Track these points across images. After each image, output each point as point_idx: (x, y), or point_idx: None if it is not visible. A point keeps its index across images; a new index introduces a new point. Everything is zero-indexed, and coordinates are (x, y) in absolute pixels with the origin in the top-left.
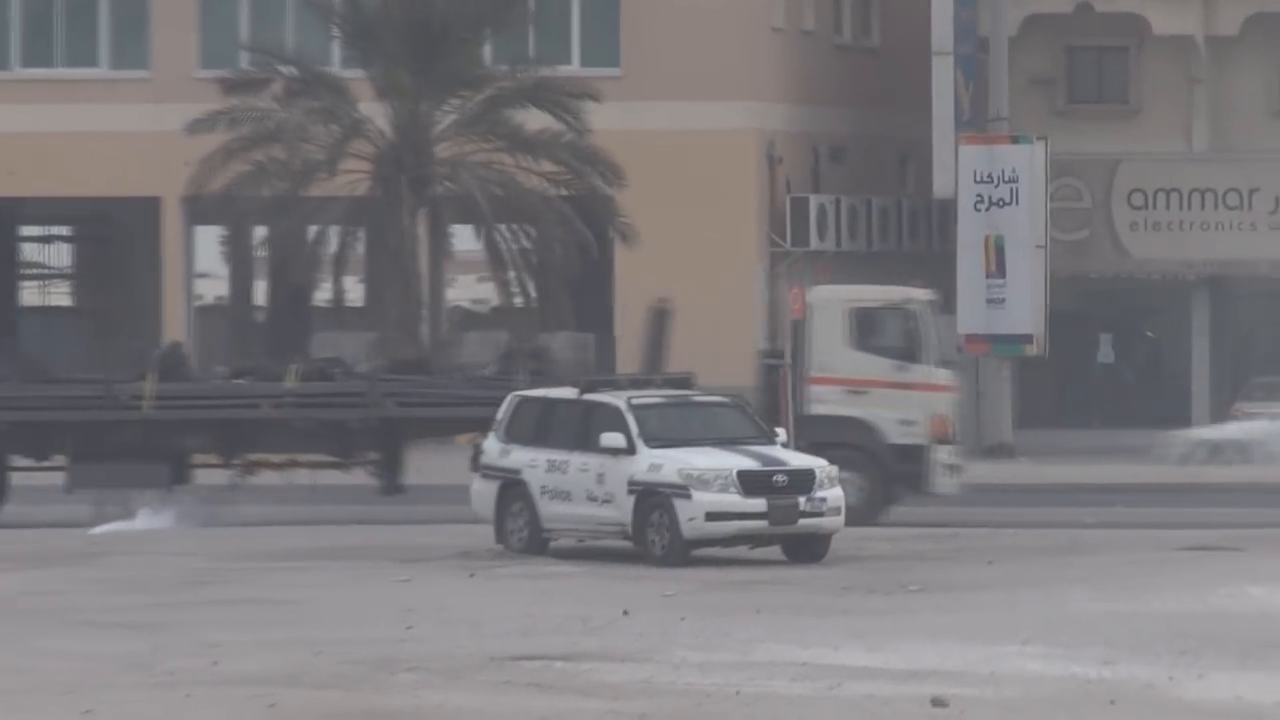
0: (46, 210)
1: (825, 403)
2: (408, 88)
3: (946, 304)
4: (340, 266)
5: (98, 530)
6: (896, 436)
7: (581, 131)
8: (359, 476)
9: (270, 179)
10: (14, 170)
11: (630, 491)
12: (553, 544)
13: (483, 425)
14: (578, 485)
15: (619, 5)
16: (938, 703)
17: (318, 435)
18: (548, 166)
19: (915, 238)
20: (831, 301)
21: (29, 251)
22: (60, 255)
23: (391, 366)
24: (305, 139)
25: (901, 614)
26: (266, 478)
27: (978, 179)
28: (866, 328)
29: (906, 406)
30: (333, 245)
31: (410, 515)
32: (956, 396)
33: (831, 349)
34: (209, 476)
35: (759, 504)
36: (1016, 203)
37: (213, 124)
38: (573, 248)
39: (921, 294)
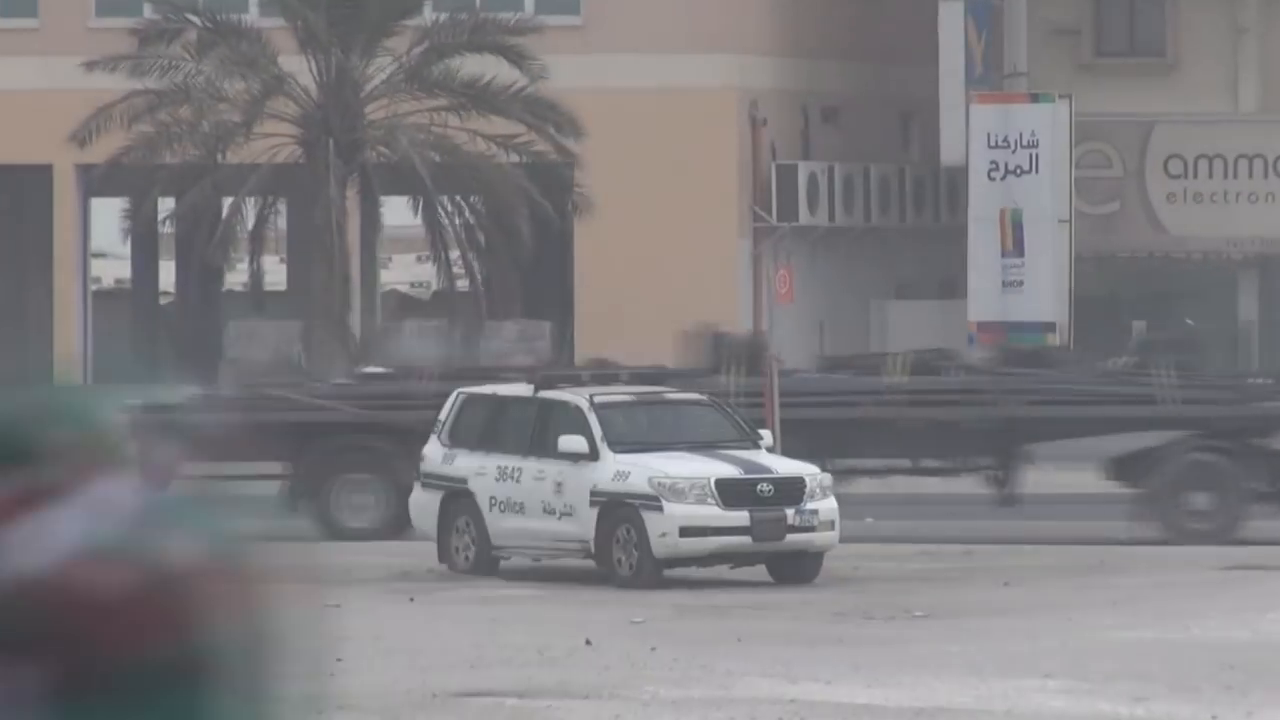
0: None
1: None
2: (326, 36)
3: (955, 287)
4: (258, 244)
5: None
6: None
7: (536, 77)
8: (964, 485)
9: (179, 143)
10: None
11: (593, 503)
12: (504, 563)
13: (1119, 427)
14: (532, 496)
15: None
16: None
17: (922, 438)
18: (497, 125)
19: (920, 211)
20: None
21: None
22: None
23: (1007, 358)
24: (219, 97)
25: (904, 643)
26: None
27: (992, 143)
28: None
29: None
30: (250, 220)
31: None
32: None
33: None
34: None
35: (741, 517)
36: (1036, 171)
37: (113, 66)
38: (527, 222)
39: None
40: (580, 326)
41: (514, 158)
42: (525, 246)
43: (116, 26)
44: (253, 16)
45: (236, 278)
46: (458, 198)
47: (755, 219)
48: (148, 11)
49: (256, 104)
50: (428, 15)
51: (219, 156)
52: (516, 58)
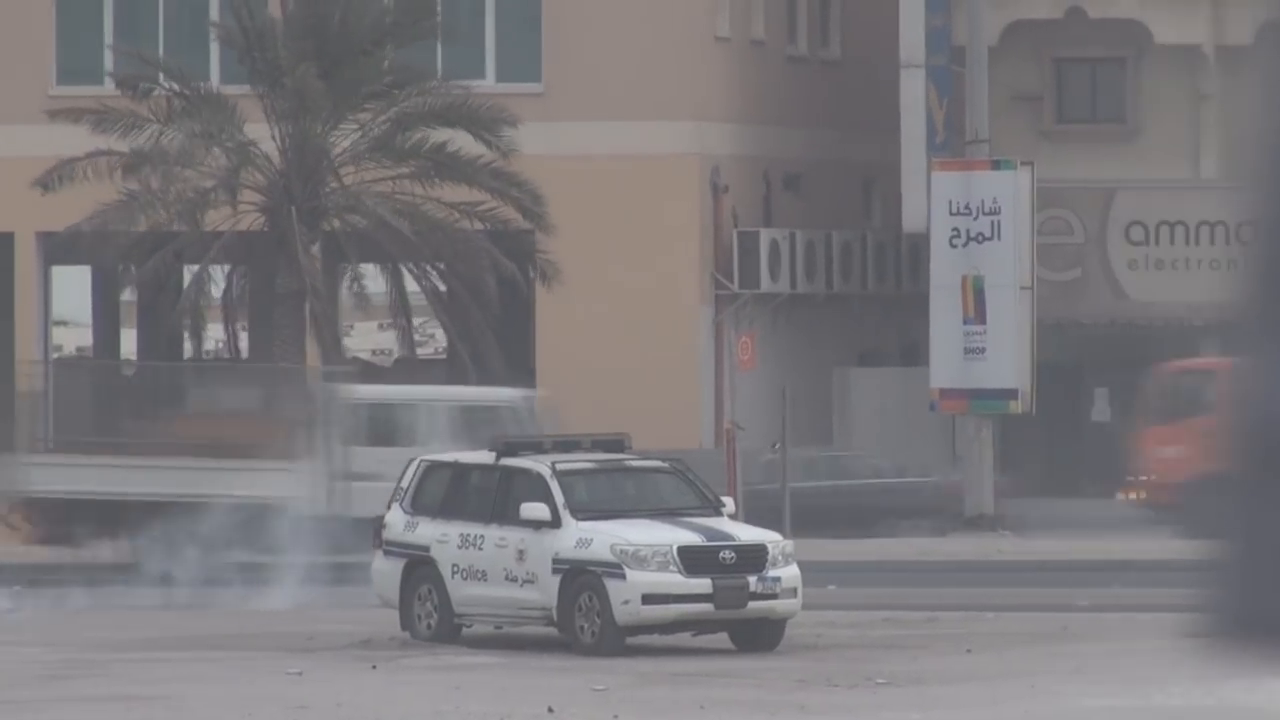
0: None
1: None
2: (312, 95)
3: (917, 354)
4: (229, 312)
5: None
6: None
7: (506, 151)
8: None
9: (144, 213)
10: None
11: (555, 570)
12: (466, 631)
13: None
14: (495, 563)
15: (540, 12)
16: None
17: None
18: (464, 194)
19: (882, 278)
20: None
21: None
22: None
23: None
24: (189, 164)
25: (867, 711)
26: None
27: (953, 210)
28: None
29: None
30: (214, 288)
31: (302, 598)
32: None
33: None
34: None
35: (703, 584)
36: (998, 238)
37: (77, 118)
38: (493, 289)
39: None
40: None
41: (478, 225)
42: (494, 311)
43: (77, 94)
44: (214, 83)
45: (200, 344)
46: (425, 264)
47: (717, 286)
48: (110, 82)
49: (232, 175)
50: (394, 80)
51: (185, 224)
52: (486, 136)
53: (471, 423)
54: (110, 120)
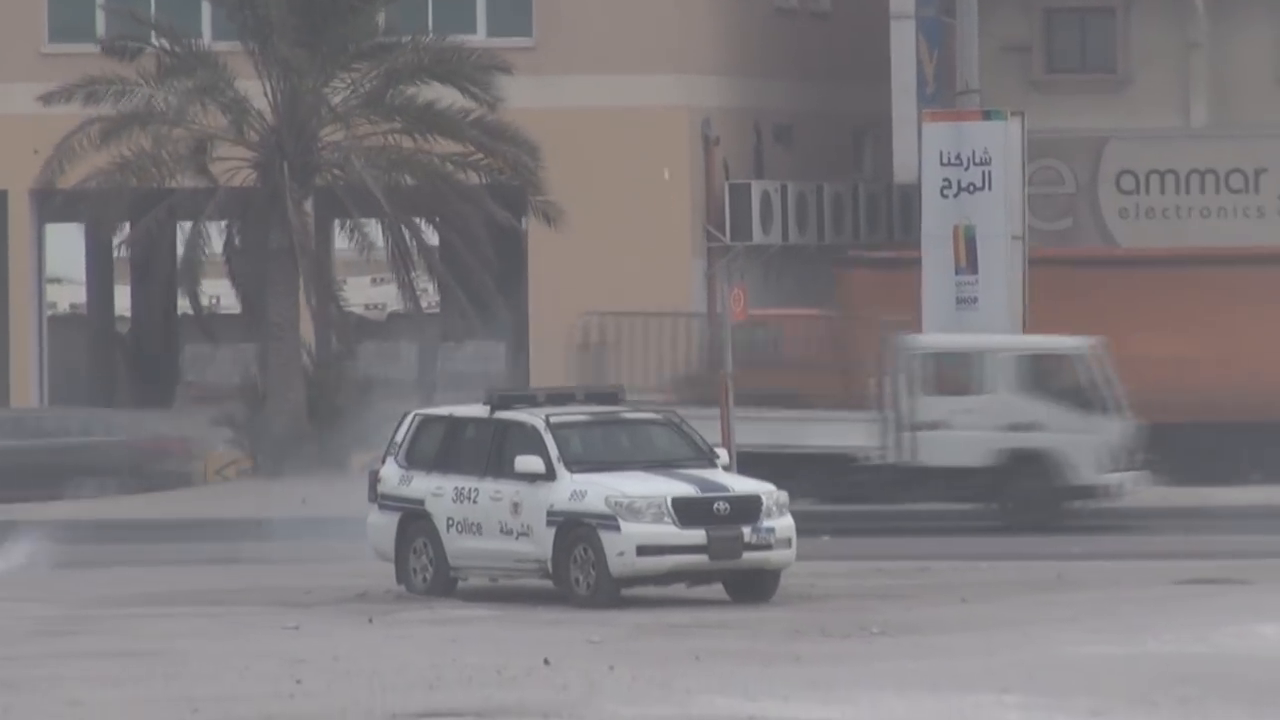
0: None
1: None
2: (299, 59)
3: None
4: (234, 267)
5: None
6: None
7: (494, 103)
8: None
9: (136, 168)
10: None
11: (550, 523)
12: (461, 584)
13: None
14: (489, 516)
15: None
16: None
17: None
18: (454, 148)
19: (873, 229)
20: None
21: None
22: None
23: None
24: (181, 123)
25: (861, 660)
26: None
27: (944, 161)
28: None
29: None
30: (207, 244)
31: (298, 553)
32: None
33: None
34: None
35: (697, 535)
36: (989, 188)
37: (68, 96)
38: (487, 242)
39: None
40: (535, 347)
41: (473, 178)
42: (492, 265)
43: (70, 52)
44: (206, 39)
45: (198, 301)
46: (417, 219)
47: (709, 238)
48: (103, 31)
49: (233, 127)
50: (383, 38)
51: (176, 180)
52: (475, 91)
53: (1037, 371)
54: (101, 90)
